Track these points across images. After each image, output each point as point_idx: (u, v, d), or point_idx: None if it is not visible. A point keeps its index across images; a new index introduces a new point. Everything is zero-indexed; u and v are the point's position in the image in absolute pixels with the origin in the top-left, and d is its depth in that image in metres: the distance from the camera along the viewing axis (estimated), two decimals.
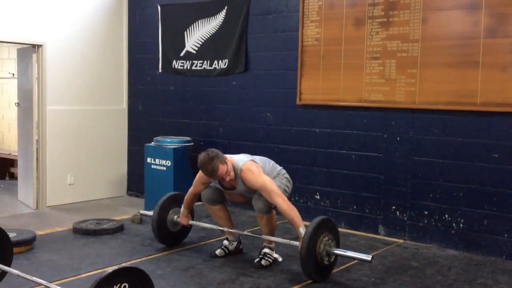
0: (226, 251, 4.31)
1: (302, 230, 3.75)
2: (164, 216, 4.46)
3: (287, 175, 4.28)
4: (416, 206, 5.01)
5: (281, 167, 4.32)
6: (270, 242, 4.13)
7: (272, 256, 4.10)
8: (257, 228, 4.78)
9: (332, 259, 3.80)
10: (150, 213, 4.57)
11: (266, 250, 4.12)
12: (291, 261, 4.19)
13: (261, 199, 3.94)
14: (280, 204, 3.82)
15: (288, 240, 4.02)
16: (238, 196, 4.26)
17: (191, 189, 4.34)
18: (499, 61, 4.51)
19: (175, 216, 4.48)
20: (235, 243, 4.35)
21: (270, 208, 3.96)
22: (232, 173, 3.94)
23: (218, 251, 4.29)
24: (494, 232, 4.59)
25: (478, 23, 4.58)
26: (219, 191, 4.24)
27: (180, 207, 4.46)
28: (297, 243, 3.80)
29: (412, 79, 4.96)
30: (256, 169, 3.96)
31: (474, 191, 4.68)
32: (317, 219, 3.79)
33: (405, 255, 4.54)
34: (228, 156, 4.03)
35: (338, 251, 3.80)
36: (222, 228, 4.32)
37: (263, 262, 4.06)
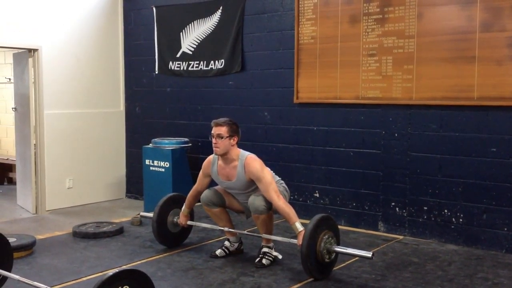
0: (227, 251, 4.30)
1: (298, 225, 3.76)
2: (164, 217, 4.46)
3: (285, 185, 4.28)
4: (415, 202, 5.01)
5: (280, 178, 4.31)
6: (268, 241, 4.13)
7: (272, 255, 4.10)
8: (256, 227, 4.78)
9: (332, 257, 3.80)
10: (150, 214, 4.57)
11: (265, 249, 4.12)
12: (291, 260, 4.19)
13: (257, 199, 3.93)
14: (276, 200, 3.83)
15: (288, 239, 4.02)
16: (236, 203, 4.26)
17: (194, 187, 4.35)
18: (495, 55, 4.51)
19: (175, 217, 4.48)
20: (236, 244, 4.35)
21: (266, 208, 3.93)
22: (225, 143, 3.96)
23: (218, 251, 4.29)
24: (494, 226, 4.59)
25: (473, 18, 4.58)
26: (219, 194, 4.24)
27: (180, 208, 4.45)
28: (296, 241, 3.80)
29: (408, 75, 4.96)
30: (261, 162, 4.01)
31: (473, 186, 4.69)
32: (317, 217, 3.79)
33: (405, 251, 4.54)
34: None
35: (338, 249, 3.80)
36: (222, 228, 4.32)
37: (264, 261, 4.06)
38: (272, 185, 3.89)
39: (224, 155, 4.02)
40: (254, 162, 3.97)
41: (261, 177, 3.91)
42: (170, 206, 4.51)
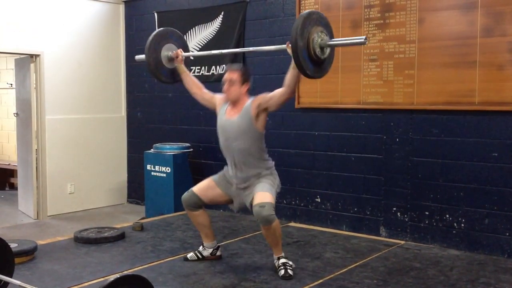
0: (199, 256, 4.29)
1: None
2: (157, 55, 4.36)
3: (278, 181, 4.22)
4: (416, 206, 5.00)
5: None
6: (279, 251, 4.00)
7: (289, 263, 3.99)
8: (258, 232, 4.78)
9: (327, 52, 3.62)
10: (142, 56, 4.42)
11: (283, 260, 3.98)
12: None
13: (264, 210, 3.77)
14: (284, 90, 3.97)
15: (279, 46, 3.90)
16: (221, 195, 4.19)
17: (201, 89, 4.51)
18: (496, 60, 4.51)
19: (169, 53, 4.40)
20: (210, 250, 4.31)
21: (273, 216, 3.80)
22: (237, 90, 4.08)
23: (189, 255, 4.30)
24: (496, 231, 4.59)
25: (474, 23, 4.59)
26: (196, 196, 4.18)
27: (168, 42, 4.41)
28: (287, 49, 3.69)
29: (410, 80, 4.96)
30: None
31: (475, 191, 4.68)
32: (305, 12, 3.55)
33: (407, 256, 4.53)
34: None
35: (332, 42, 3.61)
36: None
37: (289, 271, 3.91)
38: (278, 90, 3.98)
39: (235, 101, 4.11)
40: (261, 95, 4.06)
41: (267, 94, 4.01)
42: (160, 43, 4.37)
